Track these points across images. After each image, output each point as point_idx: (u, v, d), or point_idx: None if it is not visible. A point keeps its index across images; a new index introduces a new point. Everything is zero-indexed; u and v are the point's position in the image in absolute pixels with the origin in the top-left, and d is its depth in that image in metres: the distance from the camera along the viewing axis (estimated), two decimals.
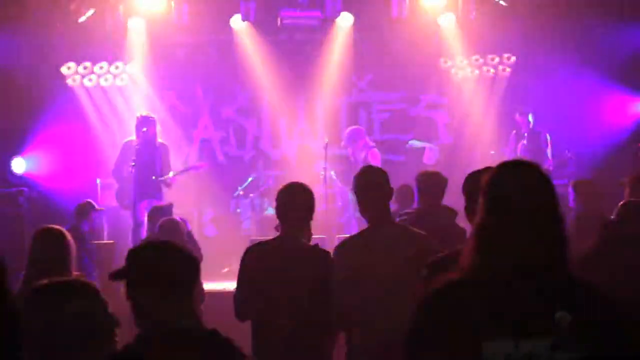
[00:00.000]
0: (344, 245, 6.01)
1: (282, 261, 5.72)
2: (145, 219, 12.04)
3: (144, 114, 13.20)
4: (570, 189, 9.27)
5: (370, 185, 6.00)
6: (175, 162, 13.52)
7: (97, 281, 9.84)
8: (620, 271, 5.77)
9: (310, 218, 5.95)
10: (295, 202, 5.86)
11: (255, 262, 5.83)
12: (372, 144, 13.43)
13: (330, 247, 12.26)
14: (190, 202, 14.58)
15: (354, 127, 13.96)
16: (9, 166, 13.81)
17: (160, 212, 10.04)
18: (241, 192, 14.40)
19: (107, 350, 3.54)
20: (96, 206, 10.76)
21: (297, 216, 5.86)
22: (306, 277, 5.67)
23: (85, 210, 10.52)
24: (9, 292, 3.61)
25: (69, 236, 6.28)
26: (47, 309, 3.46)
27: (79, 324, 3.44)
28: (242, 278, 5.85)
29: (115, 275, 3.63)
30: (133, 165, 12.07)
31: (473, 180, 4.56)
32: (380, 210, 5.92)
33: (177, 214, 10.41)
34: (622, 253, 6.09)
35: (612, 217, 6.83)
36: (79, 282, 3.71)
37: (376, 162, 12.46)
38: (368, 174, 6.18)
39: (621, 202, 6.89)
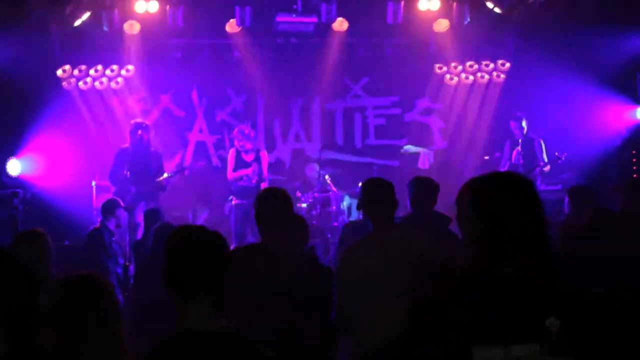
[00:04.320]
0: (348, 255, 6.09)
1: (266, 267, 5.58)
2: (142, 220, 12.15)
3: (138, 120, 13.27)
4: (565, 196, 9.30)
5: (378, 195, 6.13)
6: (170, 165, 13.57)
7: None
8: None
9: (289, 223, 5.80)
10: (275, 207, 5.70)
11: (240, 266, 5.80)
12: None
13: (324, 250, 12.34)
14: (184, 204, 14.62)
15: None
16: (4, 168, 13.81)
17: (154, 216, 10.10)
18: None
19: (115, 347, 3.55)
20: (122, 203, 10.77)
21: (276, 221, 5.69)
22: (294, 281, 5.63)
23: (111, 208, 10.53)
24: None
25: (47, 239, 6.31)
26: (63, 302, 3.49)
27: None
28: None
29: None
30: (128, 171, 12.19)
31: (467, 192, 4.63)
32: (385, 216, 6.09)
33: (172, 216, 10.47)
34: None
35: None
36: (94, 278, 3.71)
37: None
38: (376, 182, 6.35)
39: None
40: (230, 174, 13.27)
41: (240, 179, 13.10)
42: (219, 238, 3.65)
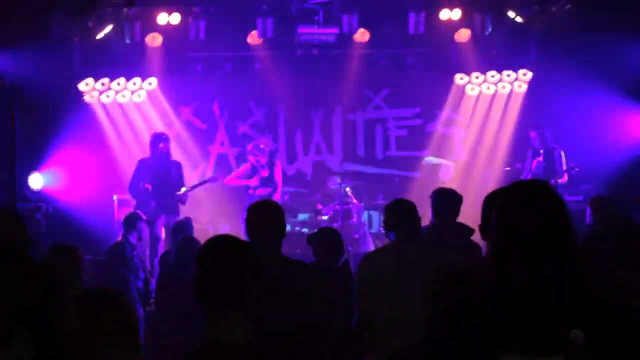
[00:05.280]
0: (369, 257, 6.17)
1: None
2: (163, 234, 12.14)
3: (158, 131, 13.32)
4: (587, 206, 9.26)
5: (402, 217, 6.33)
6: (192, 178, 13.58)
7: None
8: None
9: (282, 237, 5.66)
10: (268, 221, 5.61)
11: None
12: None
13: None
14: (206, 217, 14.65)
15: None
16: (26, 182, 13.87)
17: (183, 227, 10.12)
18: None
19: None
20: (143, 217, 10.78)
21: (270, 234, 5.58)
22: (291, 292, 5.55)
23: (133, 221, 10.54)
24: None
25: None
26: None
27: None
28: None
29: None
30: (149, 183, 12.23)
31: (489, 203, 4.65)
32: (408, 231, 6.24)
33: (194, 229, 10.48)
34: None
35: None
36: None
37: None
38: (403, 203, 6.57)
39: None
40: (230, 179, 13.30)
41: (247, 187, 13.10)
42: (251, 247, 3.64)
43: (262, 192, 13.00)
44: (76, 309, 3.52)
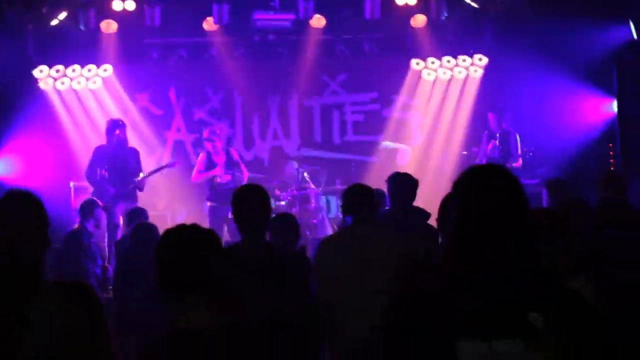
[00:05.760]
0: (326, 242, 6.19)
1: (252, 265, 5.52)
2: (121, 220, 12.08)
3: (114, 118, 13.24)
4: (543, 189, 9.33)
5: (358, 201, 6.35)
6: (149, 165, 13.51)
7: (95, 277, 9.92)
8: None
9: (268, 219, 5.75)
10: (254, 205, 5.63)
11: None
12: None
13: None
14: (163, 204, 14.61)
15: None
16: None
17: (137, 215, 10.06)
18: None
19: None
20: (100, 203, 10.70)
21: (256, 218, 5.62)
22: (279, 278, 5.62)
23: (89, 208, 10.45)
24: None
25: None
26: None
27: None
28: None
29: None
30: (106, 169, 12.16)
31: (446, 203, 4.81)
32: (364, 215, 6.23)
33: (151, 215, 10.43)
34: None
35: None
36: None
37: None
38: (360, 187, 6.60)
39: None
40: (196, 176, 13.23)
41: (212, 179, 13.05)
42: (212, 234, 3.65)
43: (227, 177, 13.00)
44: (54, 303, 3.51)
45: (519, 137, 13.62)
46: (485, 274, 2.96)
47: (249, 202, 5.58)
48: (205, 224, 13.33)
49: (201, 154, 13.40)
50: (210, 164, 13.09)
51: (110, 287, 9.88)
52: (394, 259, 5.65)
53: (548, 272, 3.05)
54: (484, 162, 13.43)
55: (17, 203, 3.90)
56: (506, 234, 3.00)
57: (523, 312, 2.89)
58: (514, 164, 13.20)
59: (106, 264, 10.49)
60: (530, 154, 13.43)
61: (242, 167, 13.32)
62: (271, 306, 5.34)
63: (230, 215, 12.68)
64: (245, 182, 12.93)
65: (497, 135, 13.65)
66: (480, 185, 3.11)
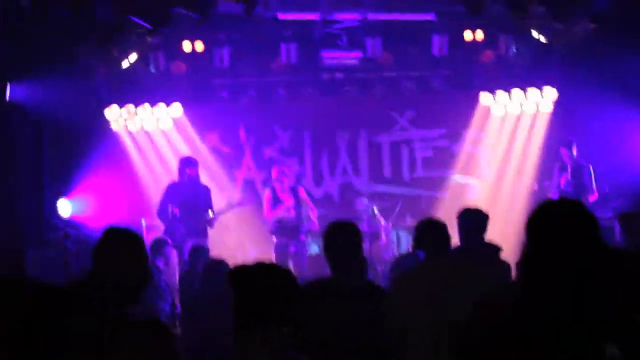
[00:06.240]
0: (402, 278, 6.18)
1: (337, 300, 5.63)
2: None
3: (186, 155, 13.38)
4: (616, 223, 9.18)
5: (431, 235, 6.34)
6: (219, 203, 13.60)
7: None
8: None
9: (359, 256, 5.91)
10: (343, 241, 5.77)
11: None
12: None
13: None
14: (234, 242, 14.66)
15: None
16: (55, 209, 13.95)
17: (200, 252, 10.14)
18: None
19: None
20: (169, 241, 10.80)
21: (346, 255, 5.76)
22: (364, 314, 5.63)
23: (159, 246, 10.56)
24: None
25: None
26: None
27: None
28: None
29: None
30: (177, 207, 12.27)
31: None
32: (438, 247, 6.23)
33: (221, 253, 10.48)
34: None
35: None
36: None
37: None
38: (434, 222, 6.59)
39: None
40: (269, 212, 13.23)
41: (280, 218, 13.07)
42: (289, 274, 3.68)
43: (292, 213, 13.05)
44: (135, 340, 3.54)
45: (593, 169, 13.43)
46: (560, 314, 2.91)
47: (337, 239, 5.72)
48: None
49: (267, 191, 13.44)
50: (276, 201, 13.12)
51: (178, 324, 9.94)
52: (468, 298, 5.59)
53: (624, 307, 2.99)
54: (556, 196, 13.27)
55: (118, 239, 3.95)
56: (581, 279, 2.95)
57: (601, 346, 2.84)
58: (590, 198, 13.02)
59: (175, 301, 10.56)
60: (607, 190, 13.26)
61: (310, 204, 13.34)
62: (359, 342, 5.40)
63: (294, 251, 12.87)
64: (313, 219, 12.97)
65: (569, 168, 13.47)
66: (552, 222, 3.06)
